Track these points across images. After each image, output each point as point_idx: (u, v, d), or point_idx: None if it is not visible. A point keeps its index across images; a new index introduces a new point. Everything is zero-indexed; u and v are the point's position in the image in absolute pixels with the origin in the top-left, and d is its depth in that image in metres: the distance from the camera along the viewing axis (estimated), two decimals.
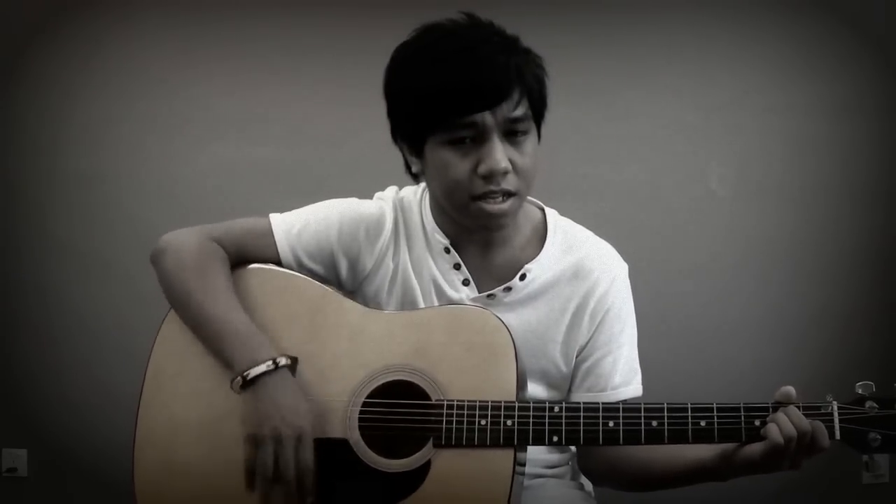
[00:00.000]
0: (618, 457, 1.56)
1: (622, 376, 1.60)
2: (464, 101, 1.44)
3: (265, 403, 1.45)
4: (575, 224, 1.66)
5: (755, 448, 1.41)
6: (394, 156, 1.59)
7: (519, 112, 1.47)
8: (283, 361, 1.48)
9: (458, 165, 1.47)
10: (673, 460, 1.52)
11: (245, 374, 1.46)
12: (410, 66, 1.49)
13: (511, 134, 1.48)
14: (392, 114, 1.54)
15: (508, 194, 1.49)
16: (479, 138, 1.46)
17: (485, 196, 1.48)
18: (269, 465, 1.43)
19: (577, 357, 1.61)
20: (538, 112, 1.52)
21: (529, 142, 1.50)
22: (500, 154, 1.46)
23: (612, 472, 1.61)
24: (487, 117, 1.45)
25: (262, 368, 1.46)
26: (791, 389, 1.42)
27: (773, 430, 1.38)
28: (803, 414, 1.39)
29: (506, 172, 1.47)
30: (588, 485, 1.73)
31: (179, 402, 1.53)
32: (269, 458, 1.44)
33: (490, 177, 1.47)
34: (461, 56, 1.45)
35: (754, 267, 2.91)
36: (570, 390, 1.62)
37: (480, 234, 1.59)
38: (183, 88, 2.92)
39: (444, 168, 1.48)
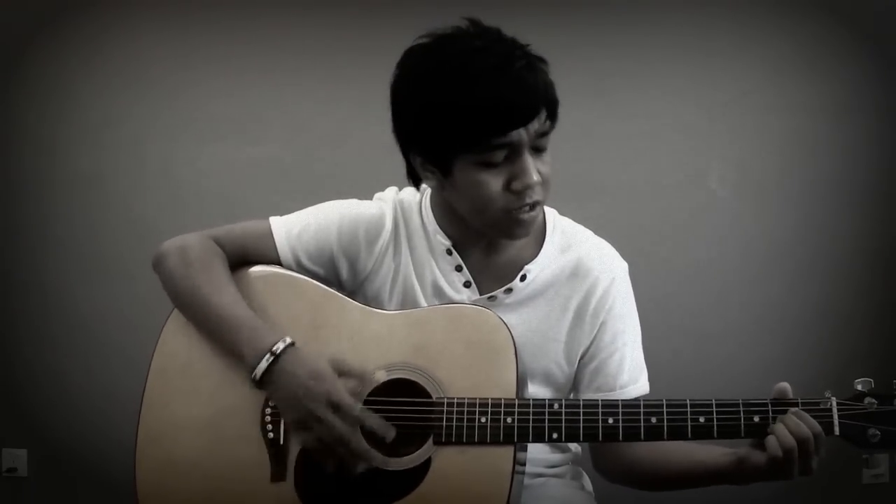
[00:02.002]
0: (633, 459, 1.57)
1: (629, 374, 1.61)
2: (500, 121, 1.43)
3: (283, 392, 1.47)
4: (575, 223, 1.66)
5: (761, 458, 1.41)
6: (394, 156, 1.59)
7: (546, 126, 1.48)
8: (280, 347, 1.47)
9: (491, 183, 1.47)
10: (688, 464, 1.53)
11: (253, 375, 1.47)
12: (437, 82, 1.45)
13: (536, 147, 1.49)
14: (413, 130, 1.51)
15: (536, 203, 1.50)
16: (510, 155, 1.46)
17: (518, 209, 1.49)
18: (325, 439, 1.45)
19: (581, 359, 1.61)
20: (554, 122, 1.52)
21: (548, 151, 1.51)
22: (532, 169, 1.47)
23: (627, 473, 1.62)
24: (522, 134, 1.45)
25: (263, 366, 1.47)
26: (786, 386, 1.42)
27: (772, 444, 1.39)
28: (802, 409, 1.40)
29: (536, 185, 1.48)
30: (588, 485, 1.73)
31: (182, 400, 1.54)
32: (315, 435, 1.45)
33: (524, 192, 1.48)
34: (494, 75, 1.42)
35: (754, 267, 2.91)
36: (578, 391, 1.63)
37: (487, 237, 1.59)
38: (183, 89, 2.92)
39: (477, 187, 1.48)
